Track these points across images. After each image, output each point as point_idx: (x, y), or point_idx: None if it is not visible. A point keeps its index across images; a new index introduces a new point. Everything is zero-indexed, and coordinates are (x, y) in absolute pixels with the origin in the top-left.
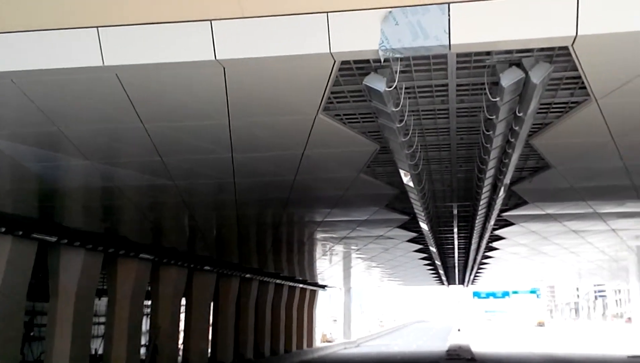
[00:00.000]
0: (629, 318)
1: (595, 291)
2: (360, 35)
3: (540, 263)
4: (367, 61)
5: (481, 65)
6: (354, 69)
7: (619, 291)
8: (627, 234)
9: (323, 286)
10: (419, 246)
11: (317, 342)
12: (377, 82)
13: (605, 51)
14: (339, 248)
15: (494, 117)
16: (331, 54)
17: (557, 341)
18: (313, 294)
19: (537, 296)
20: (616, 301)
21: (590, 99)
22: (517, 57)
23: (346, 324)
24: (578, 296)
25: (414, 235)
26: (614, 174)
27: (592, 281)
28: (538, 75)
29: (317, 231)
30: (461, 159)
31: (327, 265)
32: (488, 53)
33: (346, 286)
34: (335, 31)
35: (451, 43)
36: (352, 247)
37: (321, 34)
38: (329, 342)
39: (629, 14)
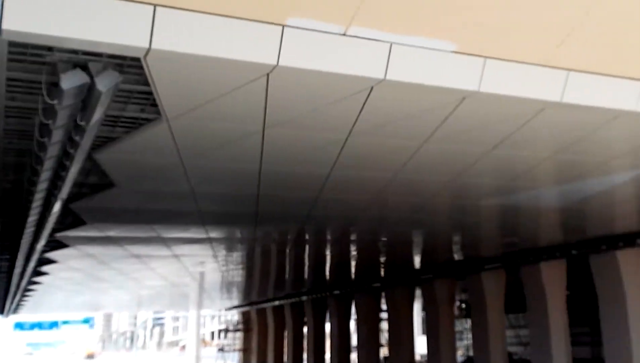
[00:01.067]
0: (183, 347)
1: (153, 319)
2: None
3: (97, 290)
4: None
5: (40, 60)
6: None
7: (177, 318)
8: (190, 260)
9: None
10: None
11: None
12: None
13: (179, 71)
14: None
15: (50, 122)
16: None
17: None
18: None
19: (90, 326)
20: (173, 329)
21: (161, 118)
22: (83, 59)
23: None
24: (135, 324)
25: None
26: (181, 198)
27: (151, 309)
28: (105, 83)
29: None
30: (9, 167)
31: None
32: (50, 48)
33: None
34: None
35: (2, 28)
36: None
37: None
38: None
39: (202, 35)
